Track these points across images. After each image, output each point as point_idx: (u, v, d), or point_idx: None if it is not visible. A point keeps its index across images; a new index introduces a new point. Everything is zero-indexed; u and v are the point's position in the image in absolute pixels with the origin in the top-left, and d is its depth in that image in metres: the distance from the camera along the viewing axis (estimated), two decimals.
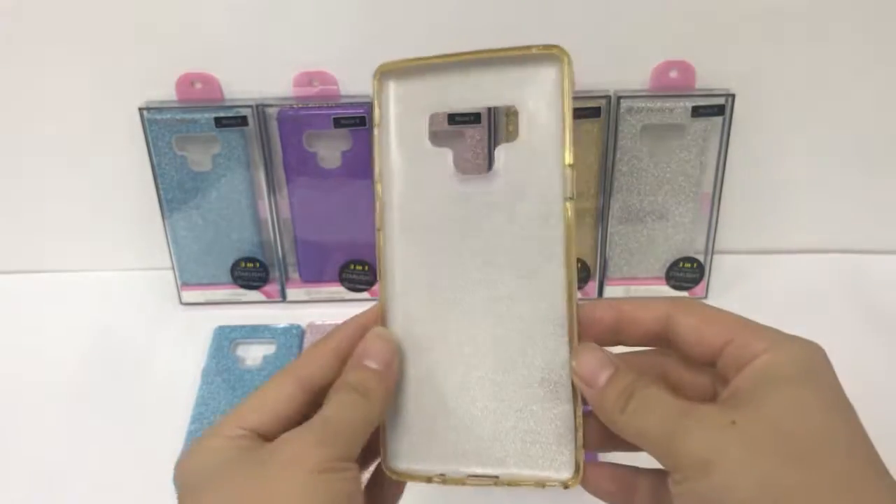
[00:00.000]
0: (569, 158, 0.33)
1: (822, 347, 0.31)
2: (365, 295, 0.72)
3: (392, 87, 0.36)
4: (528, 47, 0.34)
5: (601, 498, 0.35)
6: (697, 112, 0.64)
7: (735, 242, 0.74)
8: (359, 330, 0.36)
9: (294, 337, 0.68)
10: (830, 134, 0.69)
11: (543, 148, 0.34)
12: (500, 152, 0.35)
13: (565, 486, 0.34)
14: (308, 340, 0.68)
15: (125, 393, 0.64)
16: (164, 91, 0.66)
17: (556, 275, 0.34)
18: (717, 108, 0.64)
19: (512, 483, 0.34)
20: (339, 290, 0.72)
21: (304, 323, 0.70)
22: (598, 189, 0.67)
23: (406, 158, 0.36)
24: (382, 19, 0.63)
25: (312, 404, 0.34)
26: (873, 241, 0.75)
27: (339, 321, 0.72)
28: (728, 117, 0.64)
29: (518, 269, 0.35)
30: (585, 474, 0.34)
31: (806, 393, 0.29)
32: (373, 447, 0.36)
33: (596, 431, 0.34)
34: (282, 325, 0.69)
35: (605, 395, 0.32)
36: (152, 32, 0.63)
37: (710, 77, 0.65)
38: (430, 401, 0.36)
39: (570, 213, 0.34)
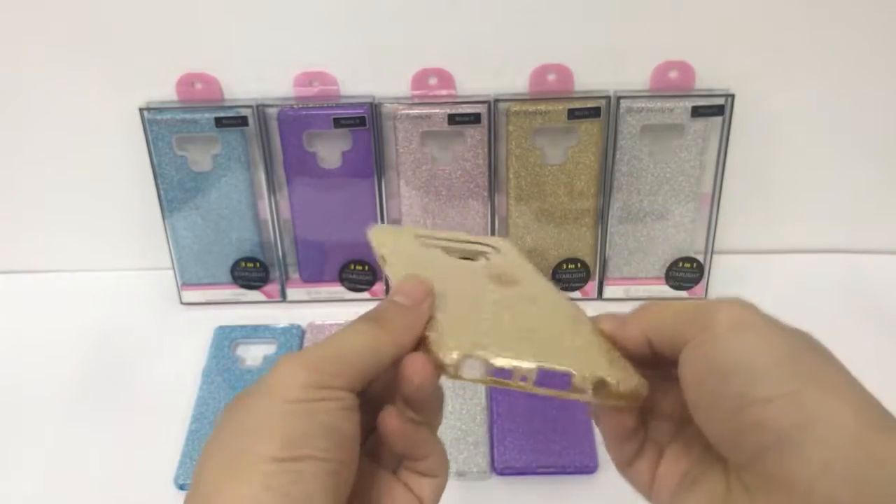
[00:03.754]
0: None
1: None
2: (365, 295, 0.72)
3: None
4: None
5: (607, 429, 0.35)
6: (697, 112, 0.64)
7: (735, 242, 0.74)
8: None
9: (294, 337, 0.68)
10: (830, 134, 0.69)
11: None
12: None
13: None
14: (308, 340, 0.68)
15: (125, 393, 0.64)
16: (164, 91, 0.66)
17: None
18: (717, 108, 0.64)
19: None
20: (339, 290, 0.72)
21: (304, 323, 0.70)
22: (598, 189, 0.67)
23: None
24: (382, 20, 0.63)
25: None
26: (873, 241, 0.75)
27: (340, 321, 0.72)
28: (728, 117, 0.64)
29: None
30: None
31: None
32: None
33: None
34: (282, 325, 0.69)
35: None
36: (152, 32, 0.63)
37: (710, 77, 0.65)
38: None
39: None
